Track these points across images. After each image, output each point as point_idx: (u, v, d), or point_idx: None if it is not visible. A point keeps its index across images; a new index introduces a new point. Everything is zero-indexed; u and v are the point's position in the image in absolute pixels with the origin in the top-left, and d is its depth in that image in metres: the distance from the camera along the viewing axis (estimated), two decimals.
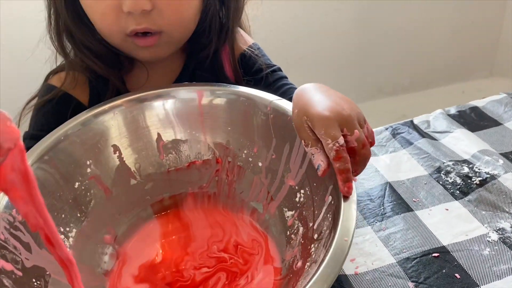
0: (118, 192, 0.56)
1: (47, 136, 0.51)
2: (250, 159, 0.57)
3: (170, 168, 0.59)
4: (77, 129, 0.53)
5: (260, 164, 0.57)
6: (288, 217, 0.54)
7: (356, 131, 0.45)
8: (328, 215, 0.45)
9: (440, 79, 1.78)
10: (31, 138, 0.59)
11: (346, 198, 0.43)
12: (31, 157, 0.48)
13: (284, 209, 0.54)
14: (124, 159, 0.56)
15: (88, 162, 0.54)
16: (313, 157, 0.46)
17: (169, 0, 0.53)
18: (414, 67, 1.77)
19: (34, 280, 0.44)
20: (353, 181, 0.44)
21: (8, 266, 0.42)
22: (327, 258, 0.38)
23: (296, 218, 0.52)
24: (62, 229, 0.50)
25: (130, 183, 0.57)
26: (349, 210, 0.42)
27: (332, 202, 0.45)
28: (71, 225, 0.51)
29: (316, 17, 1.54)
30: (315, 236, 0.46)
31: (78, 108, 0.62)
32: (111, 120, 0.55)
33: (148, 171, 0.58)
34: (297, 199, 0.53)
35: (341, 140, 0.43)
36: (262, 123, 0.55)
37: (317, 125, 0.45)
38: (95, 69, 0.61)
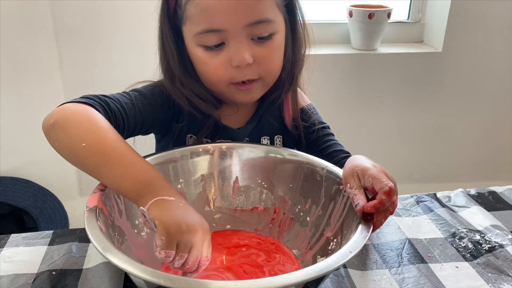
0: None
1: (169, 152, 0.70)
2: (301, 214, 0.69)
3: (237, 207, 0.73)
4: (185, 153, 0.72)
5: (308, 219, 0.68)
6: (319, 261, 0.63)
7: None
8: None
9: (469, 175, 1.94)
10: (133, 90, 0.75)
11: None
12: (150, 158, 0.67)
13: (317, 256, 0.64)
14: (205, 188, 0.72)
15: (180, 180, 0.71)
16: (355, 196, 0.59)
17: (263, 53, 0.71)
18: (444, 159, 1.92)
19: (116, 234, 0.59)
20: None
21: (106, 212, 0.58)
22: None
23: None
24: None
25: (205, 209, 0.71)
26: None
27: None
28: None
29: (361, 101, 1.77)
30: None
31: (175, 113, 0.79)
32: (208, 156, 0.73)
33: (220, 204, 0.73)
34: (329, 247, 0.62)
35: (391, 183, 0.57)
36: (316, 184, 0.68)
37: (367, 175, 0.59)
38: (201, 107, 0.77)
